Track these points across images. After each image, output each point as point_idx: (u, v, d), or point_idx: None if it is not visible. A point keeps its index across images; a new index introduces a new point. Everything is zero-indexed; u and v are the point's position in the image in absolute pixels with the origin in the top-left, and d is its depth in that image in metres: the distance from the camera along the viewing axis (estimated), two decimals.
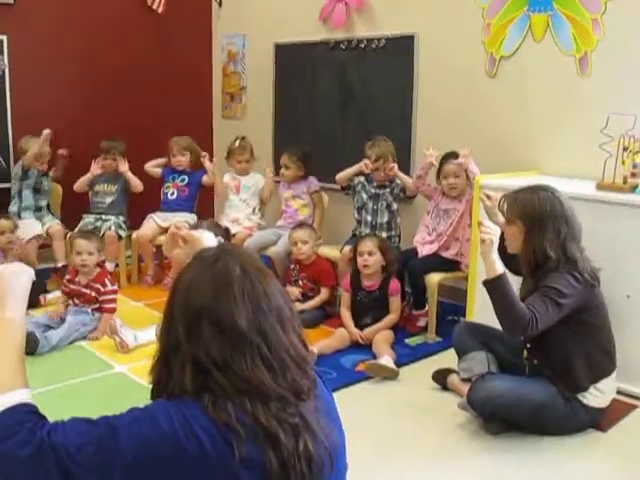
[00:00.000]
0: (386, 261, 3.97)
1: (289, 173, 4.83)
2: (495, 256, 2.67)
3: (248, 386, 1.27)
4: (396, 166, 4.33)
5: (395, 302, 3.95)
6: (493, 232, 2.70)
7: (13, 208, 4.97)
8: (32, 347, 3.56)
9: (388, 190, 4.39)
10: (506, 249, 2.87)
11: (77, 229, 4.86)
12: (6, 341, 1.36)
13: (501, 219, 2.97)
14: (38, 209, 5.04)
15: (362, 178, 4.47)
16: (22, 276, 1.45)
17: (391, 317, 3.93)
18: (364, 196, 4.43)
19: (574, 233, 2.77)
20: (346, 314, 3.99)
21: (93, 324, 3.97)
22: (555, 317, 2.66)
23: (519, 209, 2.80)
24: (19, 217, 4.88)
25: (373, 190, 4.42)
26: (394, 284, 3.97)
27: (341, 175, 4.58)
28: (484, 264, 2.70)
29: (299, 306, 4.23)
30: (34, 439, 1.18)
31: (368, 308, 3.97)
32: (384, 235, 4.31)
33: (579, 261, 2.73)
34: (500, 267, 2.67)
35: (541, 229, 2.73)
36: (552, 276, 2.70)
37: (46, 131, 4.87)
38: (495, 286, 2.65)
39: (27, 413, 1.25)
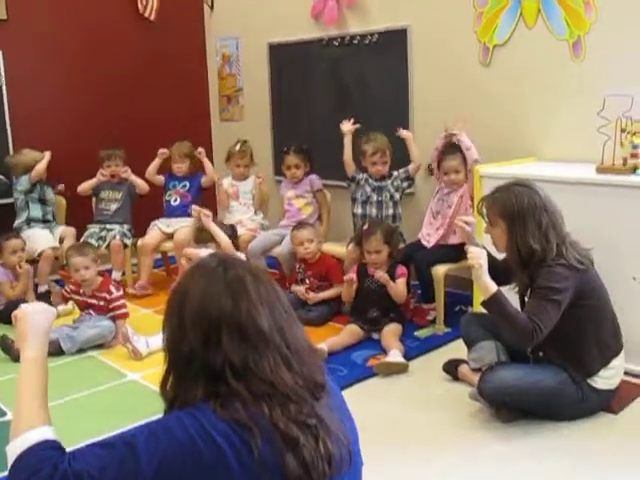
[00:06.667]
0: (392, 248, 3.97)
1: (300, 172, 4.83)
2: (486, 277, 2.72)
3: (269, 389, 1.29)
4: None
5: (401, 283, 3.91)
6: (480, 255, 2.74)
7: (20, 221, 4.99)
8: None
9: (389, 182, 4.38)
10: (494, 266, 2.86)
11: (82, 239, 4.90)
12: (27, 380, 1.40)
13: (478, 241, 3.03)
14: (46, 220, 5.06)
15: (365, 174, 4.46)
16: (44, 315, 1.51)
17: (398, 289, 3.88)
18: (368, 189, 4.41)
19: (555, 221, 2.79)
20: None
21: (113, 330, 4.00)
22: (557, 315, 2.70)
23: (498, 209, 2.84)
24: (29, 227, 4.94)
25: (376, 183, 4.40)
26: (401, 269, 3.95)
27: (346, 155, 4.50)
28: (478, 287, 2.72)
29: (314, 297, 4.27)
30: (57, 473, 1.21)
31: (375, 297, 3.90)
32: None
33: (563, 249, 2.75)
34: (493, 286, 2.71)
35: (522, 224, 2.77)
36: (543, 272, 2.73)
37: (47, 153, 5.00)
38: (492, 304, 2.72)
39: (49, 449, 1.28)
